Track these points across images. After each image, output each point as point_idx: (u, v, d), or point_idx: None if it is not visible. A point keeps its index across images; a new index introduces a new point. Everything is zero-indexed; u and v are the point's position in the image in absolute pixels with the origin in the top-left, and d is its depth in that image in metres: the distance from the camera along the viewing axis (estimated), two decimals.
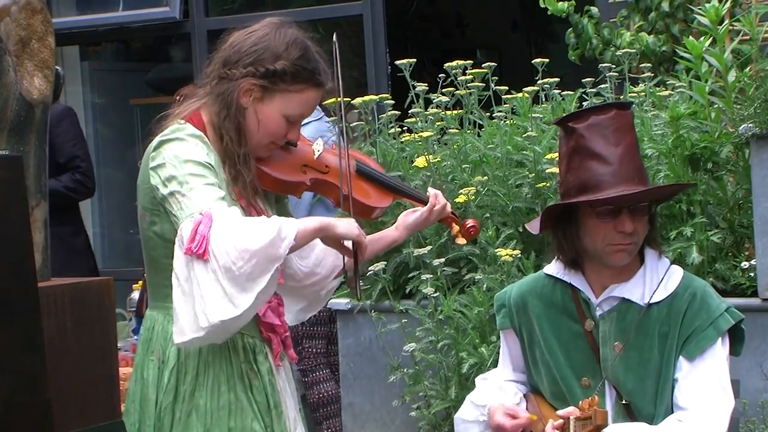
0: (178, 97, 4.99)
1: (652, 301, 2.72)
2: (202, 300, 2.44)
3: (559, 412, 2.61)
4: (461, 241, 2.98)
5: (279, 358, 2.76)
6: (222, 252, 2.42)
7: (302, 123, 3.91)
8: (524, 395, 2.91)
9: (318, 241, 2.72)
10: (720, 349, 2.70)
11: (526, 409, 2.86)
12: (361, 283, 2.78)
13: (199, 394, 2.65)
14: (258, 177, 2.69)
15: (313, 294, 2.95)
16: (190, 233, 2.44)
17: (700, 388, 2.65)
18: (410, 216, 2.92)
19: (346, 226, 2.59)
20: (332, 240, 2.61)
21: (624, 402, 2.73)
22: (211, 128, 2.66)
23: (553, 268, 2.85)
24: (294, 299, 2.93)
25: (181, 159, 2.55)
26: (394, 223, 3.00)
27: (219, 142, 2.64)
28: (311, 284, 2.92)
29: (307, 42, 2.72)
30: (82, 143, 5.72)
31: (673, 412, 2.69)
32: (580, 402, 2.53)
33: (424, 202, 2.90)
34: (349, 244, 2.62)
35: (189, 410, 2.65)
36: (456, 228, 2.96)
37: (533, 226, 2.83)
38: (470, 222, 2.95)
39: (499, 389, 2.89)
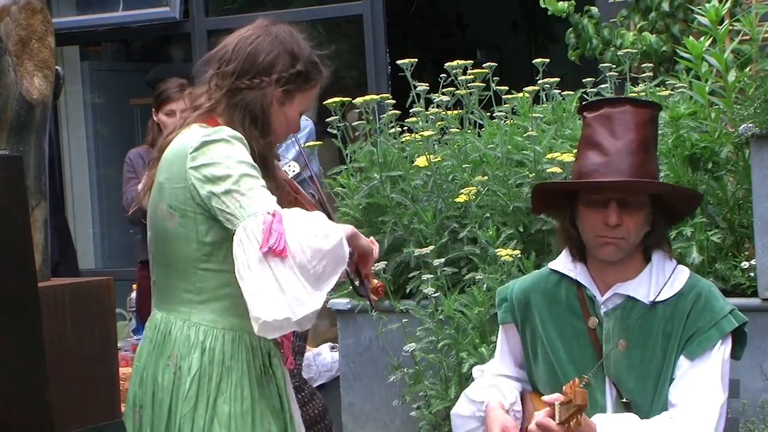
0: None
1: (657, 299, 2.72)
2: (286, 294, 2.44)
3: (545, 398, 2.59)
4: (373, 297, 3.01)
5: (289, 361, 2.79)
6: (299, 250, 2.44)
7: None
8: (520, 394, 2.92)
9: None
10: (720, 351, 2.69)
11: (522, 408, 2.87)
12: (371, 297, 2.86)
13: (222, 400, 2.62)
14: None
15: None
16: (263, 231, 2.44)
17: (693, 386, 2.66)
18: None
19: (366, 239, 2.70)
20: (356, 249, 2.68)
21: (624, 400, 2.73)
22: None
23: (560, 263, 2.84)
24: None
25: (235, 159, 2.55)
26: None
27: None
28: None
29: (302, 37, 2.78)
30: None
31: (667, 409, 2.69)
32: (564, 387, 2.52)
33: None
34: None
35: (211, 418, 2.62)
36: (374, 283, 2.99)
37: (533, 205, 2.87)
38: (377, 281, 3.00)
39: (494, 387, 2.89)
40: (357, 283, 2.78)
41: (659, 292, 2.72)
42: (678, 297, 2.72)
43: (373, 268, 2.94)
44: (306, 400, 4.92)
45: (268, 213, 2.46)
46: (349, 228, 2.65)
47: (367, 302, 2.80)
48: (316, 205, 2.92)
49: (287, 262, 2.43)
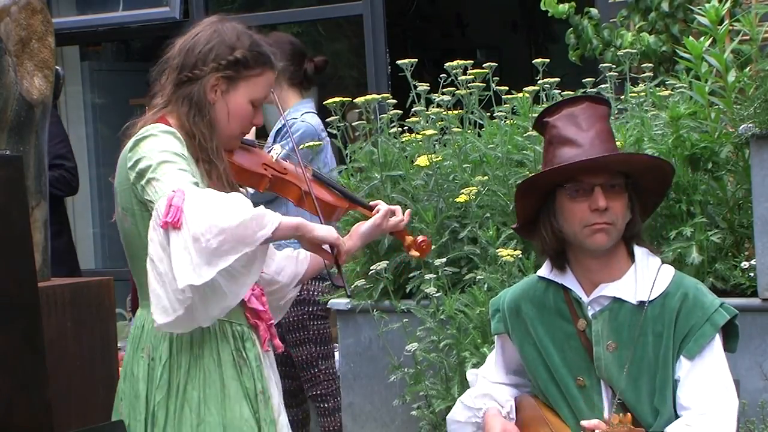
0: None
1: (643, 299, 2.73)
2: (174, 266, 2.50)
3: (584, 423, 2.62)
4: (414, 254, 3.15)
5: (266, 344, 2.86)
6: (192, 222, 2.48)
7: (308, 111, 4.05)
8: (517, 399, 2.93)
9: (275, 250, 2.96)
10: (718, 345, 2.70)
11: (516, 413, 2.88)
12: (345, 281, 2.88)
13: (192, 386, 2.73)
14: None
15: (273, 303, 3.03)
16: (164, 208, 2.52)
17: (703, 387, 2.66)
18: (363, 224, 3.06)
19: (325, 229, 2.70)
20: (309, 242, 2.70)
21: (619, 401, 2.73)
22: (182, 131, 2.77)
23: (546, 270, 2.86)
24: None
25: (156, 150, 2.66)
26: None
27: (191, 141, 2.76)
28: (272, 292, 3.03)
29: (249, 31, 2.88)
30: (66, 142, 5.73)
31: (676, 412, 2.69)
32: (607, 415, 2.54)
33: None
34: (327, 248, 2.72)
35: (182, 403, 2.72)
36: (409, 240, 3.13)
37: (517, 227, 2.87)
38: (421, 237, 3.14)
39: (488, 396, 2.91)
40: (335, 272, 2.81)
41: (646, 292, 2.73)
42: (665, 296, 2.73)
43: (403, 221, 3.08)
44: (327, 413, 4.79)
45: (173, 191, 2.54)
46: (292, 221, 2.64)
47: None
48: (304, 180, 2.96)
49: (181, 234, 2.48)
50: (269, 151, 3.05)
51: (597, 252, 2.72)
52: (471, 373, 3.08)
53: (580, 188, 2.68)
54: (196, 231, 2.47)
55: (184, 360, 2.73)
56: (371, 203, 3.14)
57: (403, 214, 3.12)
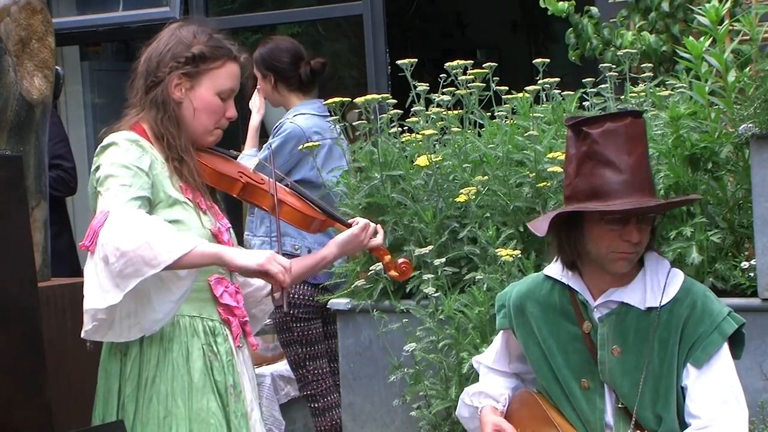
0: None
1: (652, 305, 2.72)
2: (85, 288, 2.66)
3: None
4: (393, 274, 3.21)
5: (239, 339, 2.92)
6: (102, 245, 2.62)
7: (302, 112, 4.09)
8: (518, 394, 2.93)
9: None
10: (727, 354, 2.70)
11: (515, 407, 2.89)
12: (286, 296, 2.83)
13: (160, 379, 2.80)
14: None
15: (248, 308, 3.06)
16: (88, 230, 2.66)
17: (712, 396, 2.65)
18: (341, 234, 3.12)
19: (248, 256, 2.73)
20: (237, 270, 2.79)
21: (620, 405, 2.73)
22: (153, 134, 2.87)
23: (553, 269, 2.86)
24: None
25: (109, 161, 2.76)
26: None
27: (161, 142, 2.85)
28: (246, 295, 3.06)
29: (209, 29, 2.98)
30: (65, 142, 5.74)
31: (683, 420, 2.69)
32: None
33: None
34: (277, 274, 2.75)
35: (150, 396, 2.80)
36: (387, 259, 3.19)
37: (538, 228, 2.79)
38: (402, 260, 3.21)
39: (483, 393, 2.93)
40: (277, 294, 2.80)
41: (654, 299, 2.72)
42: (673, 303, 2.72)
43: (379, 233, 3.14)
44: (317, 413, 4.85)
45: (101, 212, 2.66)
46: (212, 248, 2.73)
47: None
48: (275, 188, 2.98)
49: (93, 258, 2.64)
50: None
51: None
52: (475, 361, 3.11)
53: (617, 218, 2.67)
54: (105, 254, 2.61)
55: (153, 354, 2.81)
56: (350, 221, 3.18)
57: (379, 230, 3.18)
